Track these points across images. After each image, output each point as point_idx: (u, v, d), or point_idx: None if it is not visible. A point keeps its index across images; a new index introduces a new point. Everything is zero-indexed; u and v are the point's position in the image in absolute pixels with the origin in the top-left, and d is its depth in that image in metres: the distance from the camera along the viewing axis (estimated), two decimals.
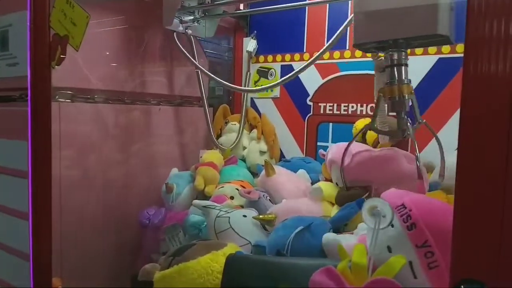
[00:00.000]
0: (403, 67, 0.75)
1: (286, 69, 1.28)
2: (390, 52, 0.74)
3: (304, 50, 1.25)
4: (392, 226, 0.60)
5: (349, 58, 1.17)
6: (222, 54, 1.46)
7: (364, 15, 0.70)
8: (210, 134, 1.24)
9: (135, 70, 1.13)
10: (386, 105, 0.82)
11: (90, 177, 1.02)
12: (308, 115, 1.25)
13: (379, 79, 0.83)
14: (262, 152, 1.27)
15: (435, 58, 1.04)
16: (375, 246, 0.49)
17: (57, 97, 0.94)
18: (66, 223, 0.96)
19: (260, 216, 0.90)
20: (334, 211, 0.89)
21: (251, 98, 1.36)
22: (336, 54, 1.19)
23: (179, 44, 1.13)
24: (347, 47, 1.17)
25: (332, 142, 1.20)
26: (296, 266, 0.63)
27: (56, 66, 0.85)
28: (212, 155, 1.19)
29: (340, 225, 0.84)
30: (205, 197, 1.11)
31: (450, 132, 1.02)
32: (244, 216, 0.91)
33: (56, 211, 0.93)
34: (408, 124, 0.79)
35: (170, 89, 1.24)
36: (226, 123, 1.33)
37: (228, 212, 0.91)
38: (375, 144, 1.05)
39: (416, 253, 0.58)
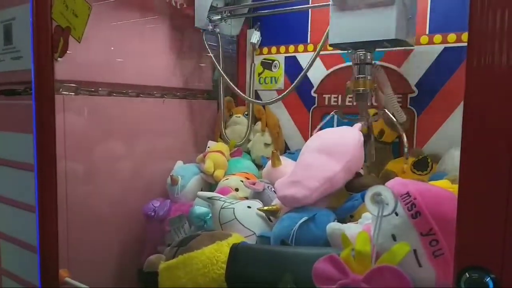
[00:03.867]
0: (367, 66, 0.92)
1: (290, 60, 1.27)
2: (358, 52, 0.91)
3: (308, 41, 1.23)
4: (397, 214, 0.60)
5: None
6: (226, 47, 1.45)
7: (337, 19, 0.88)
8: (220, 126, 1.25)
9: (139, 63, 1.13)
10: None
11: (95, 170, 1.02)
12: (313, 106, 1.24)
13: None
14: (266, 145, 1.27)
15: (440, 47, 1.02)
16: (379, 234, 0.49)
17: (61, 90, 0.94)
18: (72, 216, 0.96)
19: (265, 208, 0.89)
20: (340, 201, 0.88)
21: (255, 91, 1.35)
22: None
23: (205, 42, 1.19)
24: None
25: None
26: (300, 255, 0.63)
27: (59, 58, 0.85)
28: (219, 147, 1.20)
29: (345, 216, 0.83)
30: (210, 189, 1.11)
31: (456, 122, 1.01)
32: (249, 207, 0.91)
33: (62, 203, 0.93)
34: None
35: (174, 82, 1.24)
36: (230, 115, 1.33)
37: (233, 204, 0.91)
38: (381, 135, 1.04)
39: (421, 241, 0.58)
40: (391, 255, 0.44)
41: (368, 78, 0.92)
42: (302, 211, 0.80)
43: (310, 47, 1.23)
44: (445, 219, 0.58)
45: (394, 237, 0.60)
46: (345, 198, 0.87)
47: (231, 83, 1.16)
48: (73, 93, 0.98)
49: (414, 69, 1.06)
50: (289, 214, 0.81)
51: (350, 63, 1.16)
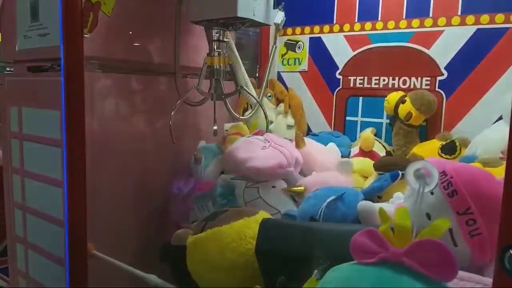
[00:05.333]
0: (222, 43, 0.96)
1: (314, 41, 1.26)
2: (214, 29, 0.95)
3: (334, 22, 1.21)
4: (432, 193, 0.59)
5: (381, 29, 1.13)
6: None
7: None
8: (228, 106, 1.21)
9: (163, 42, 1.12)
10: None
11: (120, 147, 1.03)
12: (337, 88, 1.22)
13: None
14: (289, 126, 1.26)
15: (473, 28, 1.00)
16: (418, 210, 0.48)
17: (87, 67, 0.95)
18: (98, 192, 0.97)
19: (291, 188, 0.89)
20: (367, 183, 0.87)
21: (278, 72, 1.34)
22: (368, 25, 1.15)
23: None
24: (379, 18, 1.13)
25: (362, 116, 1.18)
26: (332, 230, 0.62)
27: (88, 34, 0.85)
28: (238, 128, 1.19)
29: (373, 197, 0.83)
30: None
31: (487, 105, 0.98)
32: (273, 186, 0.91)
33: (88, 179, 0.94)
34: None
35: (196, 61, 1.23)
36: None
37: (257, 183, 0.91)
38: (408, 118, 1.02)
39: (457, 220, 0.57)
40: (432, 229, 0.43)
41: (223, 55, 0.97)
42: (329, 190, 0.79)
43: (336, 27, 1.21)
44: (483, 198, 0.57)
45: (428, 216, 0.60)
46: (373, 178, 0.86)
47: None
48: (99, 71, 0.98)
49: (444, 51, 1.04)
50: (316, 193, 0.81)
51: (377, 44, 1.14)
